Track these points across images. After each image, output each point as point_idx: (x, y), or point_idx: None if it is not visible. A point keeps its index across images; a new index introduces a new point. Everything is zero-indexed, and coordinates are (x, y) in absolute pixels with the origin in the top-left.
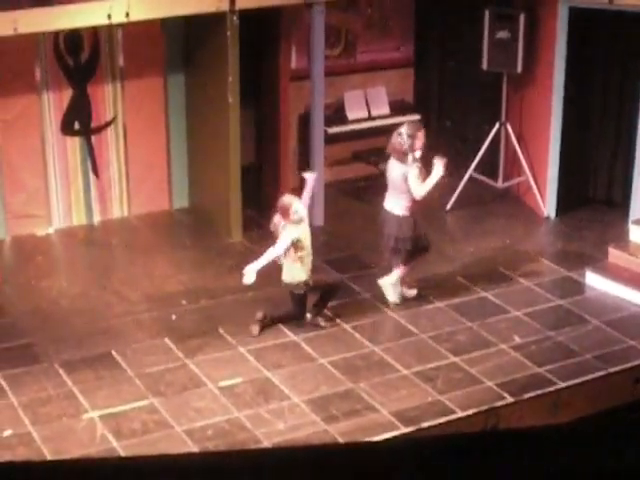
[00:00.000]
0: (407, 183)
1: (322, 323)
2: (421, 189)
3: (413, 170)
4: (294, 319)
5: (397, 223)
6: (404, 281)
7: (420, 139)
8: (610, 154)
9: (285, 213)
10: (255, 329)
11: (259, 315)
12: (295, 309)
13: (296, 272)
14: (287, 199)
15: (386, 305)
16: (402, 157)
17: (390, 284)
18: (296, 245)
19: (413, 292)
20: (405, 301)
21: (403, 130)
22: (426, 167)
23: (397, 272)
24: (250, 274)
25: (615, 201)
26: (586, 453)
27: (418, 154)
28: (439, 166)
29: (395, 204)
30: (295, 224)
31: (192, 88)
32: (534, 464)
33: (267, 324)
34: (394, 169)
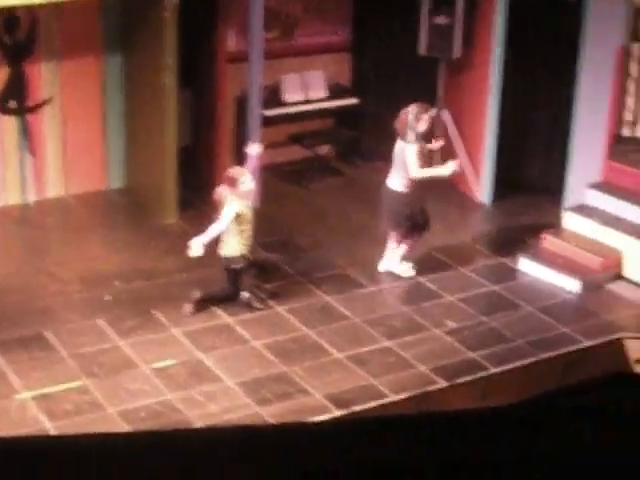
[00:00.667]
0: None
1: (256, 304)
2: (418, 171)
3: (412, 147)
4: (228, 298)
5: (392, 198)
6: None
7: (425, 120)
8: (546, 141)
9: (233, 183)
10: (189, 307)
11: (196, 294)
12: (230, 287)
13: (236, 246)
14: (237, 170)
15: (320, 288)
16: (404, 133)
17: (393, 263)
18: (238, 218)
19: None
20: (340, 285)
21: (410, 109)
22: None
23: (397, 249)
24: (196, 247)
25: (550, 188)
26: (513, 438)
27: (422, 128)
28: (449, 168)
29: (395, 180)
30: (240, 197)
31: (130, 69)
32: (460, 446)
33: (202, 306)
34: (397, 146)
